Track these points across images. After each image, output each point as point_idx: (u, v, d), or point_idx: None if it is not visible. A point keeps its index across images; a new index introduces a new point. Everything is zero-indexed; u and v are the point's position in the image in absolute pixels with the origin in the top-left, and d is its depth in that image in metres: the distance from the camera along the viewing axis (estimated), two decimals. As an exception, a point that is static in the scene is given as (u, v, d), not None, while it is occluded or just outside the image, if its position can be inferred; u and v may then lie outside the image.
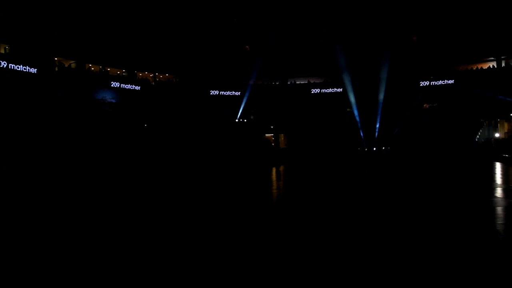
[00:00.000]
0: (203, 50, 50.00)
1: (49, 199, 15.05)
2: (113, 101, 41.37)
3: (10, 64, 34.04)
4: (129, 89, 44.26)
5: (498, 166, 26.55)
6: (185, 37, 48.31)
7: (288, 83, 54.54)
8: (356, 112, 47.21)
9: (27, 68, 35.10)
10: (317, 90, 52.37)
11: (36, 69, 35.85)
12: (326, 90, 52.28)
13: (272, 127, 50.79)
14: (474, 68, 47.71)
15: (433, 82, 48.28)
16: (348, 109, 50.39)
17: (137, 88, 45.24)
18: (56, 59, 39.80)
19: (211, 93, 50.73)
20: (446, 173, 22.99)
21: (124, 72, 46.49)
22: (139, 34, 44.96)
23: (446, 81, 47.74)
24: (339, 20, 48.98)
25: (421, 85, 48.27)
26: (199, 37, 49.25)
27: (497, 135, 43.62)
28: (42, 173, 23.58)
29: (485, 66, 47.57)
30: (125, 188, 18.54)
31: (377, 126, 44.59)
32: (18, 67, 34.49)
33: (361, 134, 44.53)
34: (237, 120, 50.00)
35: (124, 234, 9.07)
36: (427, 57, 47.92)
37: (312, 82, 53.47)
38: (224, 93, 51.47)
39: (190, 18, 47.60)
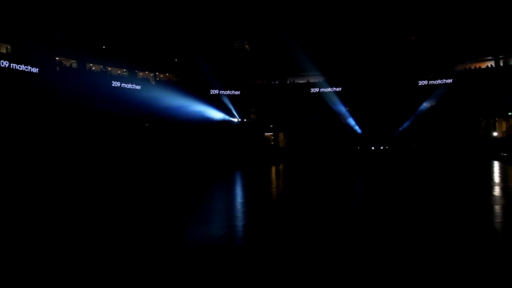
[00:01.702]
0: (203, 50, 50.14)
1: (45, 199, 15.19)
2: None
3: (12, 64, 34.28)
4: (130, 88, 44.43)
5: (496, 165, 26.78)
6: (185, 36, 48.44)
7: (288, 82, 54.72)
8: (355, 112, 47.45)
9: (29, 68, 35.29)
10: (317, 89, 52.50)
11: (37, 69, 36.03)
12: (324, 90, 52.40)
13: (271, 126, 51.00)
14: (473, 68, 47.93)
15: (431, 82, 48.50)
16: (347, 108, 50.60)
17: (138, 87, 45.39)
18: (57, 58, 39.96)
19: (211, 93, 50.86)
20: (444, 172, 23.20)
21: (125, 71, 46.69)
22: (140, 34, 45.16)
23: (444, 80, 47.96)
24: (338, 20, 49.23)
25: (419, 84, 48.47)
26: (199, 37, 49.41)
27: (495, 134, 43.89)
28: (40, 173, 23.74)
29: (483, 65, 47.80)
30: (124, 187, 18.63)
31: (376, 125, 44.76)
32: (20, 67, 34.70)
33: (360, 133, 44.78)
34: (237, 120, 50.20)
35: (123, 233, 9.15)
36: (425, 57, 48.16)
37: (311, 81, 53.66)
38: (223, 92, 51.63)
39: (190, 17, 47.75)
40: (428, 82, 48.41)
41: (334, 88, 51.84)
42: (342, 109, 48.92)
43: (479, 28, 45.26)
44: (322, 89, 52.35)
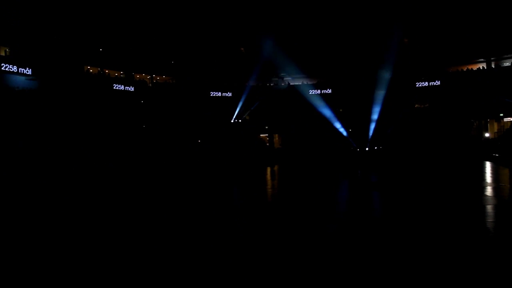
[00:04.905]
0: (199, 52, 50.45)
1: (46, 199, 15.35)
2: None
3: (14, 67, 34.75)
4: (126, 91, 44.96)
5: (488, 165, 27.18)
6: (181, 39, 48.70)
7: (282, 84, 55.04)
8: (349, 113, 47.81)
9: (29, 71, 35.67)
10: (313, 91, 52.77)
11: (31, 70, 36.34)
12: (317, 91, 52.67)
13: (266, 127, 51.28)
14: (465, 69, 48.51)
15: (425, 83, 49.10)
16: (340, 110, 50.97)
17: (131, 89, 45.91)
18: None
19: (211, 95, 51.63)
20: (437, 172, 23.51)
21: (122, 74, 46.97)
22: (137, 37, 45.43)
23: (437, 82, 48.58)
24: (333, 22, 49.56)
25: (417, 86, 49.09)
26: (195, 40, 49.66)
27: (487, 135, 44.46)
28: (42, 172, 23.80)
29: (475, 67, 48.39)
30: (123, 188, 18.73)
31: (370, 126, 45.09)
32: (21, 70, 35.08)
33: (355, 134, 45.11)
34: (232, 121, 50.48)
35: (123, 234, 9.29)
36: (419, 59, 48.73)
37: (306, 83, 54.00)
38: (216, 93, 52.15)
39: (185, 21, 47.97)
40: (423, 84, 49.02)
41: (328, 90, 52.23)
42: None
43: (471, 30, 45.85)
44: (313, 91, 52.68)
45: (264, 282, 5.89)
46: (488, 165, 27.30)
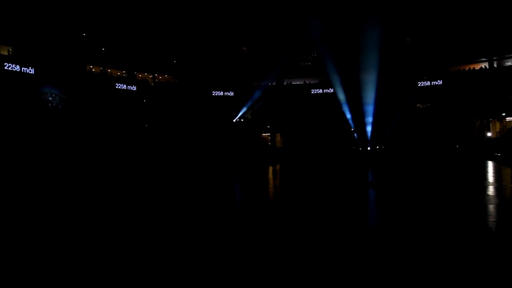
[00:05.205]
0: (201, 52, 50.50)
1: (46, 199, 15.36)
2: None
3: (16, 67, 34.89)
4: (129, 90, 45.15)
5: (490, 165, 27.16)
6: (183, 39, 48.76)
7: (284, 83, 55.04)
8: (350, 112, 47.75)
9: (32, 70, 35.76)
10: (316, 91, 52.83)
11: (34, 70, 36.46)
12: (318, 91, 52.73)
13: (268, 126, 51.31)
14: (467, 69, 48.47)
15: (427, 82, 49.09)
16: (342, 109, 50.89)
17: (133, 88, 46.08)
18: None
19: (213, 94, 51.69)
20: (439, 171, 23.52)
21: (124, 73, 47.10)
22: (139, 37, 45.51)
23: (440, 81, 48.57)
24: (332, 22, 49.53)
25: (419, 85, 49.06)
26: (197, 39, 49.71)
27: (489, 134, 44.43)
28: (40, 172, 23.88)
29: (477, 66, 48.33)
30: (124, 188, 18.76)
31: (371, 126, 45.02)
32: (24, 69, 35.19)
33: (355, 134, 45.14)
34: (234, 120, 50.53)
35: (124, 234, 9.28)
36: (421, 58, 48.67)
37: (308, 82, 54.01)
38: (218, 93, 52.22)
39: (187, 20, 48.04)
40: (425, 83, 49.01)
41: (329, 90, 52.24)
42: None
43: (473, 30, 45.81)
44: (315, 90, 52.74)
45: (263, 281, 5.93)
46: (490, 165, 27.28)
